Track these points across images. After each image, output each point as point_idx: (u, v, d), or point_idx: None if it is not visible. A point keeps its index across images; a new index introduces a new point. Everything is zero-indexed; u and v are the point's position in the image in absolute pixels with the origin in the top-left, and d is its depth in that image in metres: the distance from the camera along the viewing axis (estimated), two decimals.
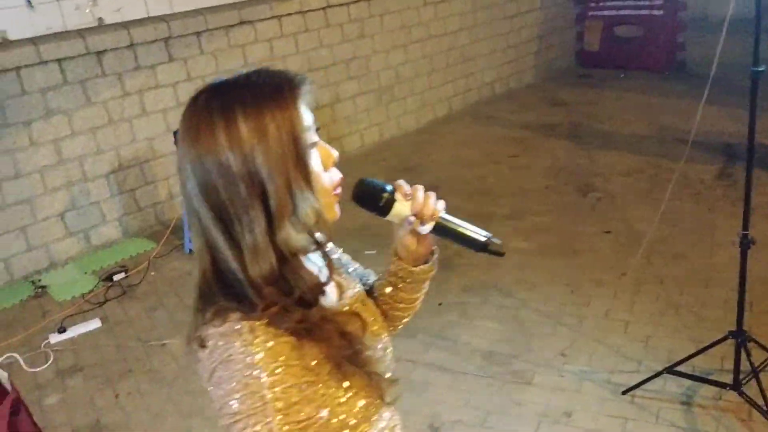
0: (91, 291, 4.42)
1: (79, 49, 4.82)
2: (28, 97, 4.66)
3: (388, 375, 1.13)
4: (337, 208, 1.05)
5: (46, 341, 3.85)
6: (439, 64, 7.43)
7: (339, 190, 1.04)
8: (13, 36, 4.64)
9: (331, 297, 1.10)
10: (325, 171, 1.02)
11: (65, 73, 4.81)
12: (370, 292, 1.28)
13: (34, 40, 4.66)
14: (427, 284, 1.28)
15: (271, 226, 0.95)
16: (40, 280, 4.62)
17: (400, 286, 1.24)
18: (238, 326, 0.93)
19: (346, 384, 1.02)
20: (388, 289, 1.26)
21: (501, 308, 3.64)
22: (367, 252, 4.47)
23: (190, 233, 1.08)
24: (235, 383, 0.91)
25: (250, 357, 0.91)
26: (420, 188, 1.11)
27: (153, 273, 4.59)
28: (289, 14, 6.03)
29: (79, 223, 4.99)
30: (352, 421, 1.03)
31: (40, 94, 4.72)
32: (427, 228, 1.11)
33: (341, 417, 1.02)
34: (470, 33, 7.69)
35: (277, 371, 0.91)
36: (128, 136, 5.18)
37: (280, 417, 0.91)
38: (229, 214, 0.94)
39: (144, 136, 5.27)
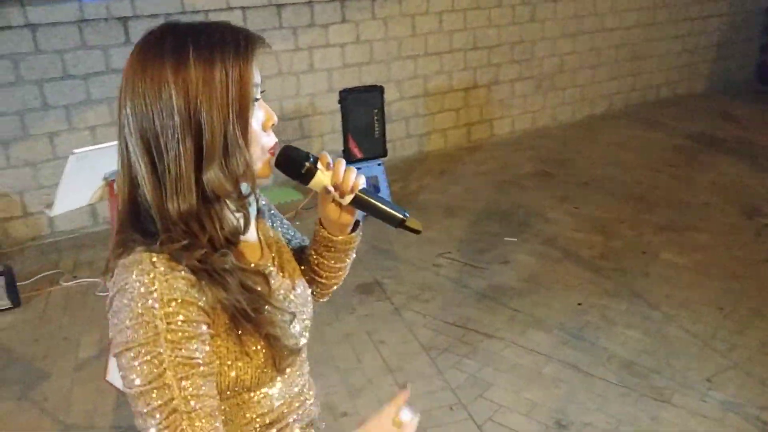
0: None
1: (262, 0, 5.04)
2: None
3: (291, 341, 1.08)
4: (269, 168, 1.05)
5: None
6: (607, 58, 7.12)
7: (272, 152, 1.04)
8: None
9: (251, 253, 1.11)
10: (264, 131, 1.02)
11: (247, 20, 5.05)
12: (299, 256, 1.29)
13: None
14: (351, 256, 1.29)
15: (199, 164, 0.95)
16: None
17: (323, 253, 1.26)
18: (138, 257, 0.94)
19: (242, 342, 1.00)
20: (313, 256, 1.27)
21: (646, 319, 3.46)
22: (507, 238, 4.41)
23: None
24: (129, 311, 0.91)
25: (145, 287, 0.91)
26: (342, 161, 1.12)
27: (298, 222, 4.77)
28: None
29: None
30: (246, 382, 1.02)
31: None
32: (346, 200, 1.12)
33: (232, 374, 1.00)
34: (645, 30, 7.29)
35: (172, 304, 0.91)
36: (293, 89, 5.38)
37: (171, 349, 0.90)
38: (159, 144, 0.94)
39: (307, 91, 5.45)
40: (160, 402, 0.89)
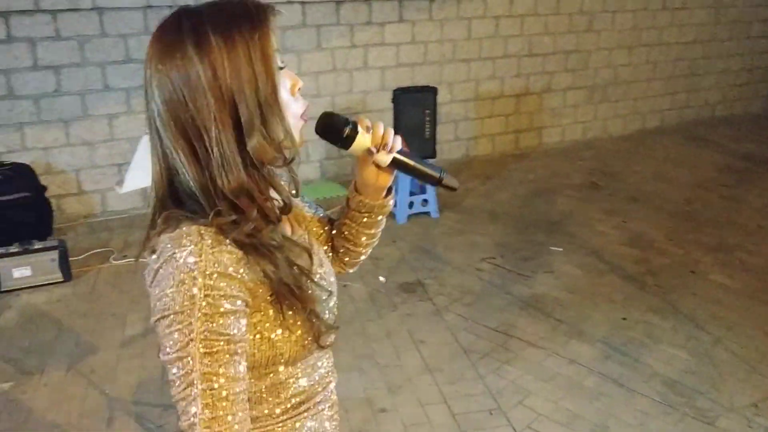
0: None
1: None
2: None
3: (330, 317, 1.10)
4: (302, 135, 1.05)
5: None
6: (663, 72, 7.01)
7: (305, 118, 1.05)
8: None
9: (285, 228, 1.11)
10: (292, 96, 1.02)
11: (306, 15, 5.11)
12: (326, 229, 1.30)
13: None
14: (383, 223, 1.29)
15: (240, 138, 0.95)
16: None
17: (357, 220, 1.25)
18: (187, 230, 0.95)
19: (283, 316, 1.00)
20: (346, 225, 1.27)
21: (691, 339, 3.40)
22: (552, 248, 4.37)
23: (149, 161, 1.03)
24: (171, 280, 0.92)
25: (191, 257, 0.92)
26: (380, 123, 1.13)
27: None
28: None
29: None
30: (283, 357, 1.03)
31: (281, 31, 5.03)
32: (386, 159, 1.14)
33: (270, 346, 1.00)
34: (705, 47, 7.16)
35: (214, 276, 0.92)
36: (346, 86, 5.42)
37: (203, 320, 0.90)
38: (195, 128, 0.94)
39: (360, 88, 5.48)
40: (181, 372, 0.91)
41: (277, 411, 1.08)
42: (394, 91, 4.71)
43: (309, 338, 1.04)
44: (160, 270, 0.94)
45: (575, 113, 6.65)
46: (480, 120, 6.14)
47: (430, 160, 4.79)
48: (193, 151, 0.95)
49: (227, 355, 0.92)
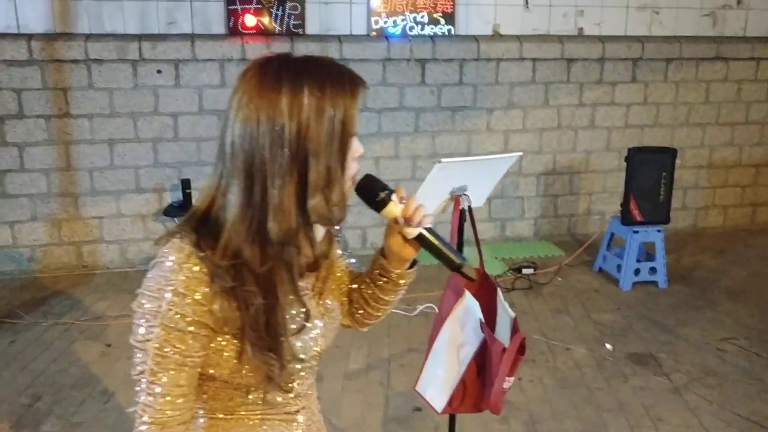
0: (500, 276, 4.62)
1: (554, 53, 5.05)
2: (500, 87, 5.05)
3: (285, 378, 1.12)
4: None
5: None
6: None
7: (354, 181, 1.11)
8: (504, 31, 5.06)
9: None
10: (352, 162, 1.09)
11: (536, 72, 5.09)
12: (352, 280, 1.35)
13: (519, 38, 5.01)
14: (401, 293, 1.32)
15: (302, 193, 1.03)
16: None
17: (376, 282, 1.30)
18: (184, 246, 1.05)
19: (241, 350, 1.07)
20: (366, 283, 1.32)
21: None
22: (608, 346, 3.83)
23: (230, 180, 1.07)
24: (152, 283, 1.05)
25: (172, 272, 1.03)
26: (415, 197, 1.19)
27: (560, 279, 4.60)
28: None
29: (501, 212, 5.27)
30: (234, 383, 1.11)
31: (509, 86, 5.07)
32: (412, 233, 1.19)
33: (224, 370, 1.09)
34: None
35: (184, 298, 1.02)
36: (570, 144, 5.28)
37: (163, 329, 1.03)
38: (262, 172, 1.01)
39: (584, 147, 5.32)
40: (138, 360, 1.06)
41: (232, 407, 1.16)
42: (629, 149, 4.49)
43: (260, 374, 1.09)
44: (152, 270, 1.07)
45: None
46: (712, 189, 5.66)
47: (664, 226, 4.48)
48: (249, 188, 1.03)
49: (175, 364, 1.04)
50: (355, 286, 1.35)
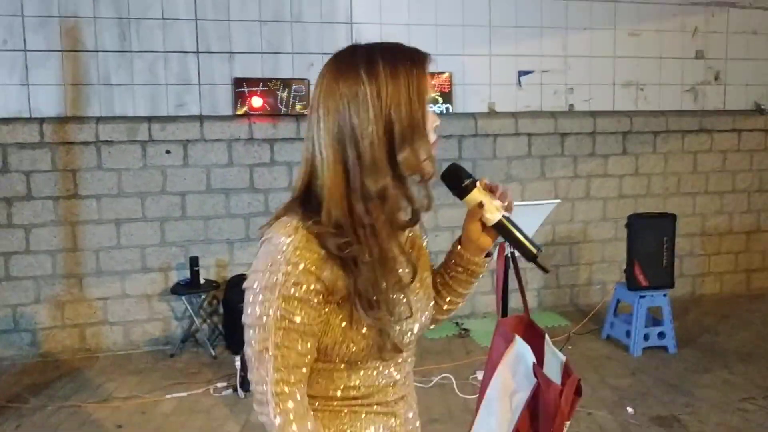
0: None
1: (548, 128, 5.25)
2: (497, 161, 5.20)
3: (399, 337, 1.17)
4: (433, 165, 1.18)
5: (474, 375, 4.08)
6: None
7: (435, 150, 1.18)
8: (499, 108, 5.26)
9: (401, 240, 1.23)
10: (431, 131, 1.17)
11: (531, 146, 5.26)
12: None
13: (514, 114, 5.22)
14: (474, 284, 1.38)
15: (391, 150, 1.11)
16: (462, 324, 4.98)
17: (451, 272, 1.36)
18: (289, 221, 1.12)
19: (352, 318, 1.12)
20: (440, 273, 1.38)
21: None
22: None
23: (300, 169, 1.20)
24: (265, 259, 1.11)
25: (283, 245, 1.10)
26: (500, 185, 1.26)
27: (570, 347, 4.59)
28: (751, 130, 5.74)
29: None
30: (344, 355, 1.14)
31: (507, 160, 5.23)
32: (493, 218, 1.24)
33: (334, 342, 1.13)
34: None
35: (298, 266, 1.08)
36: (567, 215, 5.40)
37: (281, 301, 1.09)
38: (353, 136, 1.10)
39: (581, 218, 5.44)
40: (256, 338, 1.11)
41: (331, 394, 1.18)
42: (629, 216, 4.60)
43: (370, 344, 1.14)
44: (261, 248, 1.14)
45: None
46: (707, 256, 5.78)
47: (669, 290, 4.53)
48: (342, 152, 1.11)
49: (295, 333, 1.09)
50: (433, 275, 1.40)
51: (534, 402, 2.01)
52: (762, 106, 5.75)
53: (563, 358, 2.01)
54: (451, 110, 5.10)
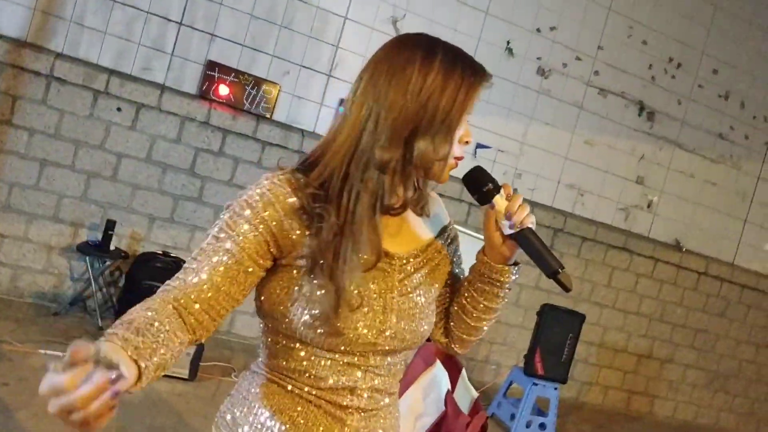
0: None
1: None
2: None
3: (350, 335, 1.12)
4: (448, 175, 1.17)
5: None
6: None
7: (457, 162, 1.16)
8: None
9: (388, 228, 1.18)
10: (459, 143, 1.15)
11: (469, 217, 5.39)
12: (454, 287, 1.32)
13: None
14: (502, 300, 1.28)
15: (411, 136, 1.09)
16: None
17: (476, 284, 1.26)
18: (273, 171, 1.14)
19: (310, 284, 1.08)
20: (465, 287, 1.28)
21: None
22: None
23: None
24: (239, 196, 1.12)
25: (262, 179, 1.12)
26: (521, 196, 1.21)
27: None
28: (667, 262, 6.10)
29: None
30: (286, 331, 1.13)
31: None
32: (512, 230, 1.18)
33: (286, 298, 1.10)
34: None
35: (263, 195, 1.09)
36: None
37: (228, 218, 1.09)
38: (383, 103, 1.08)
39: None
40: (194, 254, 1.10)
41: (287, 373, 1.16)
42: (543, 305, 4.74)
43: (324, 309, 1.07)
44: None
45: (691, 393, 6.41)
46: (599, 367, 6.00)
47: (560, 385, 4.66)
48: (366, 118, 1.09)
49: (224, 250, 1.06)
50: (455, 294, 1.32)
51: (437, 429, 2.01)
52: (681, 244, 6.14)
53: (475, 394, 2.04)
54: None
